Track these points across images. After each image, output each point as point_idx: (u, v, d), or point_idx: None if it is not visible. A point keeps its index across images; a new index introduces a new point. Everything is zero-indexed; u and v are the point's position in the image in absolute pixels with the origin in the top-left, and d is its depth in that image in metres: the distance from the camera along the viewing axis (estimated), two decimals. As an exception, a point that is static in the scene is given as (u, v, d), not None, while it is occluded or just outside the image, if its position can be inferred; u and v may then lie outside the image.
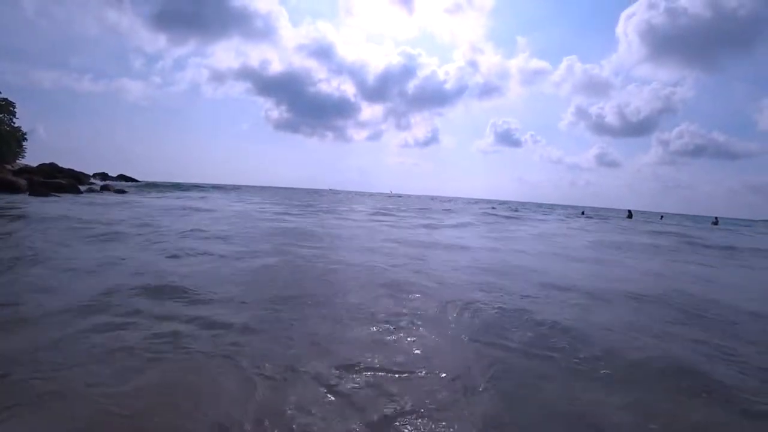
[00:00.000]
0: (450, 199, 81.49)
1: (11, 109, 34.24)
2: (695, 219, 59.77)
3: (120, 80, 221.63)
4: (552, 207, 70.45)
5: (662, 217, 46.82)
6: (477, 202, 66.69)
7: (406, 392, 2.07)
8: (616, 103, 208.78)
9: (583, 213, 39.36)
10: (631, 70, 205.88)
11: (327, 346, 2.60)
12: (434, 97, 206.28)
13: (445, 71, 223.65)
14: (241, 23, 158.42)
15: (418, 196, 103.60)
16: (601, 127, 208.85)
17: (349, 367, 2.31)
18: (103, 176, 49.52)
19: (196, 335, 2.66)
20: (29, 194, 15.61)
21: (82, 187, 22.71)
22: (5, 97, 33.82)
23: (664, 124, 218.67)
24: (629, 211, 35.29)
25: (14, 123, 34.76)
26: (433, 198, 78.29)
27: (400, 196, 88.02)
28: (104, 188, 24.57)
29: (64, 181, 21.14)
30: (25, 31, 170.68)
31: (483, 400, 2.06)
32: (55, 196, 16.07)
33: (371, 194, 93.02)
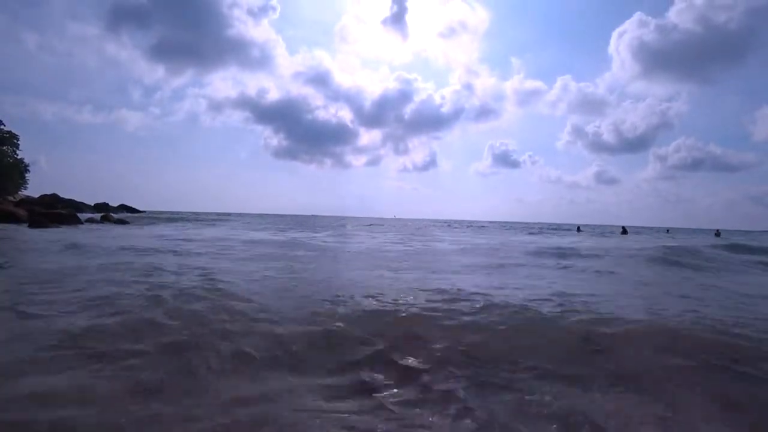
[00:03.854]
0: (469, 223, 68.71)
1: (14, 141, 34.77)
2: (695, 232, 59.58)
3: (119, 111, 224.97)
4: (560, 226, 66.79)
5: (668, 230, 46.79)
6: (483, 226, 61.97)
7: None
8: (612, 120, 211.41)
9: (579, 229, 39.56)
10: (625, 87, 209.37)
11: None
12: (431, 121, 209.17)
13: (441, 95, 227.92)
14: (239, 52, 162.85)
15: (429, 220, 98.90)
16: (598, 145, 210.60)
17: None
18: (104, 206, 49.59)
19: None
20: (29, 226, 15.56)
21: (82, 217, 22.71)
22: (9, 129, 34.48)
23: (661, 139, 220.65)
24: (623, 228, 35.32)
25: (17, 155, 35.24)
26: (448, 223, 63.30)
27: (399, 220, 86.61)
28: (104, 218, 24.60)
29: (64, 212, 21.19)
30: (27, 65, 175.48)
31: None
32: (55, 227, 16.01)
33: (383, 220, 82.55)
